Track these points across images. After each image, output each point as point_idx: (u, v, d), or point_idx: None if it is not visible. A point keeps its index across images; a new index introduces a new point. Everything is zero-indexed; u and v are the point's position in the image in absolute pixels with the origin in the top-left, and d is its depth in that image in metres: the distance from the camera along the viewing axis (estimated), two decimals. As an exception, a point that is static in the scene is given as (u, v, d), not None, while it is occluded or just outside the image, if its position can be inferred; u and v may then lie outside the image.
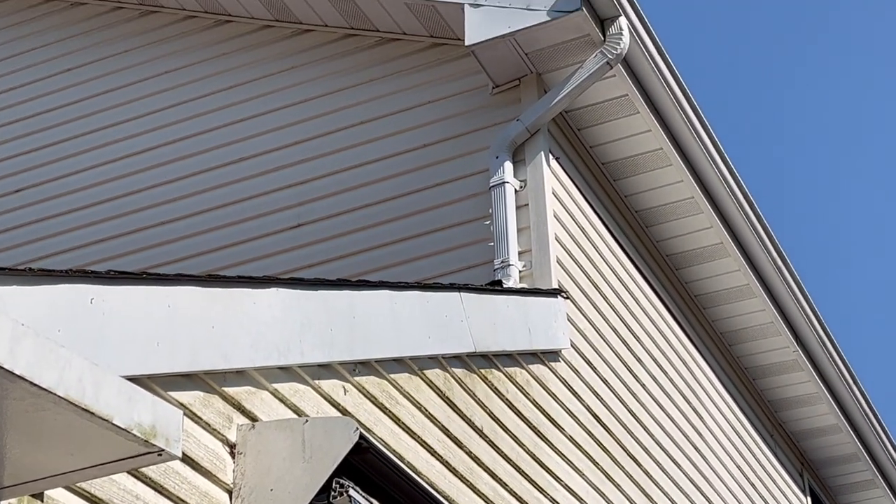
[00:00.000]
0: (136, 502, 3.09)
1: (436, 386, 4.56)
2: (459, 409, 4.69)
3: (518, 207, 5.79)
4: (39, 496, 2.81)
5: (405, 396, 4.35)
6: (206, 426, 3.41)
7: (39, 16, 7.65)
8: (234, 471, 3.47)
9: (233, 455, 3.48)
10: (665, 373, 6.90)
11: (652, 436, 6.51)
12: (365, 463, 3.59)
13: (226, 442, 3.47)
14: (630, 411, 6.29)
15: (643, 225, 6.97)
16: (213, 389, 3.46)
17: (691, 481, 6.92)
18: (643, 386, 6.54)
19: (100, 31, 7.43)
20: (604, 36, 5.95)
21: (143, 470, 3.12)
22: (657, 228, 7.00)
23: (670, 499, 6.56)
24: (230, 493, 3.44)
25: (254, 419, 3.59)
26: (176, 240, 6.53)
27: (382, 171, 6.27)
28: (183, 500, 3.25)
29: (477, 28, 5.97)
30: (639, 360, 6.57)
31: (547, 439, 5.33)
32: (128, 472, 3.02)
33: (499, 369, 5.06)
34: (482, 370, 4.93)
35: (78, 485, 2.89)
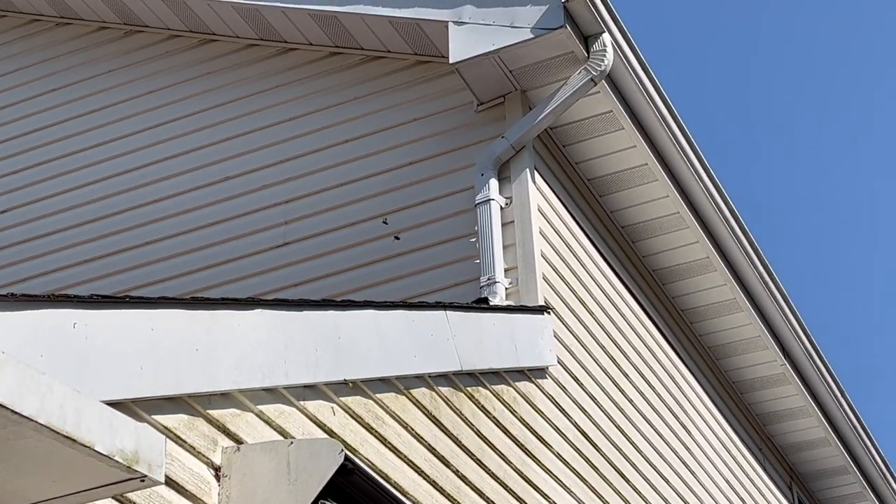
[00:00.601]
0: (120, 527, 3.08)
1: (422, 405, 4.55)
2: (446, 428, 4.68)
3: (504, 224, 5.79)
4: (22, 523, 2.80)
5: (391, 416, 4.34)
6: (191, 449, 3.40)
7: (23, 36, 7.64)
8: (219, 494, 3.45)
9: (218, 478, 3.47)
10: (653, 388, 6.90)
11: (640, 452, 6.50)
12: (351, 484, 3.58)
13: (210, 465, 3.45)
14: (618, 427, 6.28)
15: (629, 240, 6.97)
16: (198, 412, 3.45)
17: (680, 497, 6.92)
18: (631, 402, 6.54)
19: (84, 51, 7.42)
20: (587, 53, 5.96)
21: (129, 495, 3.11)
22: (643, 244, 7.01)
23: (659, 514, 6.56)
24: (215, 516, 3.42)
25: (239, 441, 3.57)
26: (159, 260, 6.52)
27: (367, 189, 6.27)
28: (168, 525, 3.24)
29: (461, 46, 5.97)
30: (626, 375, 6.57)
31: (534, 457, 5.32)
32: (112, 497, 3.01)
33: (485, 387, 5.06)
34: (469, 388, 4.92)
35: (61, 511, 2.87)
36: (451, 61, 5.96)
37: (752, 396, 8.33)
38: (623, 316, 6.71)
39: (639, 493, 6.35)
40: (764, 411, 8.48)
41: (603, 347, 6.34)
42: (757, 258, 7.39)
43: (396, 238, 5.99)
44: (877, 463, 9.28)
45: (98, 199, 6.89)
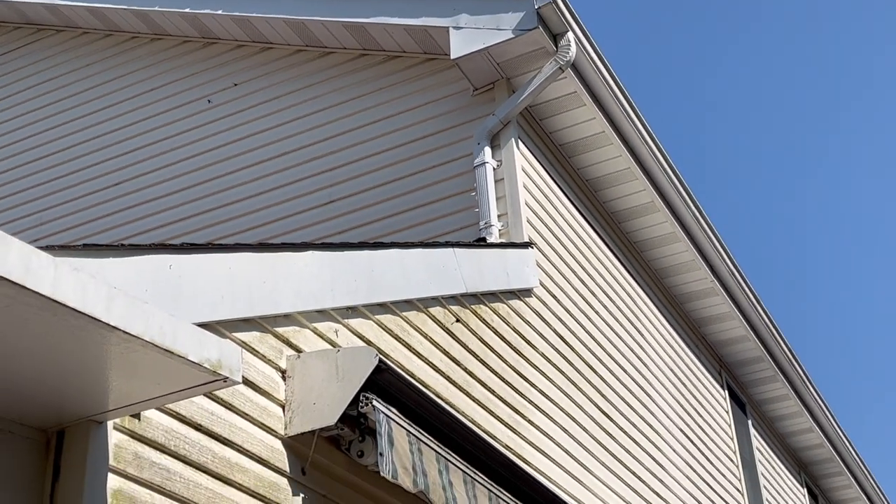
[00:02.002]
0: (211, 417, 3.10)
1: (438, 319, 4.56)
2: (457, 337, 4.69)
3: (496, 181, 5.77)
4: (137, 416, 2.82)
5: (414, 329, 4.36)
6: (263, 357, 3.41)
7: (125, 50, 7.61)
8: (285, 390, 3.48)
9: (284, 378, 3.49)
10: (613, 302, 6.90)
11: (605, 350, 6.52)
12: (385, 381, 3.60)
13: (278, 369, 3.48)
14: (588, 332, 6.29)
15: (592, 190, 6.94)
16: (267, 329, 3.47)
17: (635, 382, 6.94)
18: (597, 313, 6.54)
19: (169, 60, 7.39)
20: (556, 47, 5.91)
21: (216, 392, 3.13)
22: (603, 192, 6.97)
23: (621, 397, 6.58)
24: (283, 406, 3.45)
25: (299, 350, 3.59)
26: (235, 218, 6.52)
27: (391, 158, 6.25)
28: (247, 414, 3.26)
29: (459, 45, 5.93)
30: (593, 293, 6.57)
31: (524, 356, 5.33)
32: (203, 395, 3.03)
33: (486, 305, 5.06)
34: (473, 306, 4.93)
35: (166, 406, 2.89)
36: (451, 57, 5.92)
37: (689, 306, 8.32)
38: (589, 248, 6.70)
39: (604, 381, 6.37)
40: (698, 317, 8.47)
41: (574, 272, 6.33)
42: (689, 198, 7.35)
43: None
44: (785, 352, 9.29)
45: (189, 172, 6.88)
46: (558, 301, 5.95)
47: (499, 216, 5.66)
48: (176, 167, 6.93)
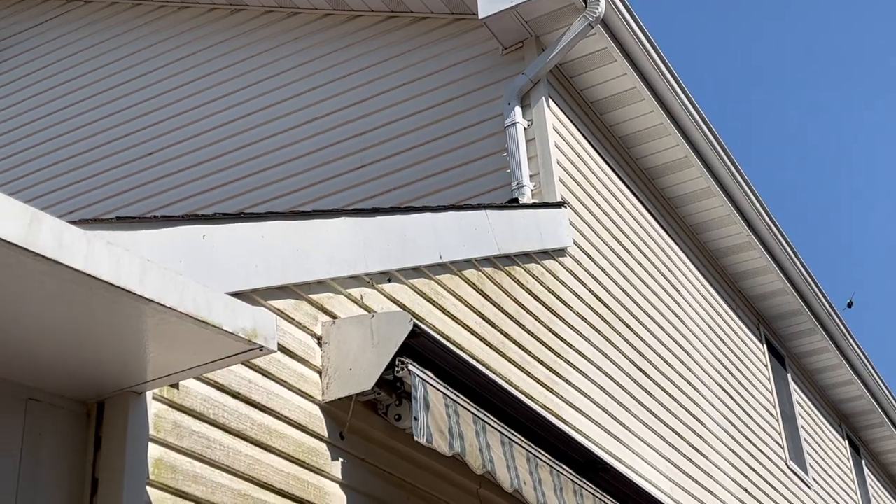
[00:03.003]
0: (248, 385, 3.13)
1: (471, 282, 4.57)
2: (491, 298, 4.69)
3: (527, 141, 5.74)
4: (175, 386, 2.85)
5: (448, 292, 4.36)
6: (298, 325, 3.44)
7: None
8: (321, 357, 3.50)
9: (320, 345, 3.51)
10: (649, 259, 6.87)
11: (641, 308, 6.50)
12: (420, 345, 3.61)
13: (314, 335, 3.50)
14: (624, 290, 6.27)
15: (625, 147, 6.89)
16: (301, 297, 3.48)
17: (672, 338, 6.92)
18: (632, 270, 6.52)
19: (199, 28, 7.38)
20: (585, 3, 5.84)
21: (253, 361, 3.15)
22: (636, 149, 6.92)
23: (658, 354, 6.57)
24: (320, 373, 3.47)
25: (334, 317, 3.61)
26: (267, 185, 6.54)
27: (422, 121, 6.23)
28: (284, 381, 3.29)
29: (487, 4, 5.88)
30: (628, 251, 6.54)
31: (559, 315, 5.33)
32: (241, 364, 3.05)
33: (519, 266, 5.06)
34: (507, 267, 4.92)
35: (203, 375, 2.92)
36: (479, 17, 5.87)
37: (725, 261, 8.26)
38: (623, 205, 6.66)
39: (642, 339, 6.36)
40: (735, 272, 8.42)
41: (609, 230, 6.30)
42: (723, 151, 7.28)
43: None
44: (823, 304, 9.21)
45: (219, 141, 6.90)
46: (592, 260, 5.93)
47: (531, 176, 5.64)
48: (206, 136, 6.95)
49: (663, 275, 7.06)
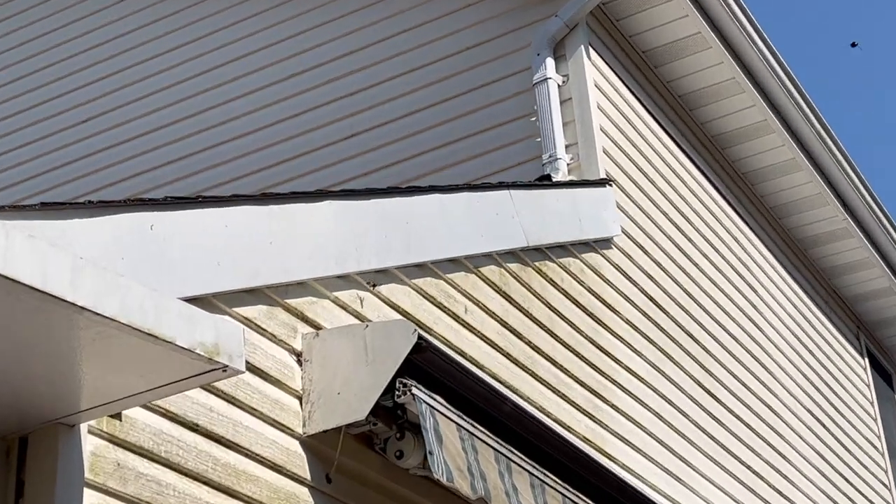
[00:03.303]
0: (209, 415, 3.14)
1: (491, 282, 4.57)
2: (516, 302, 4.70)
3: (562, 102, 5.74)
4: (117, 416, 2.87)
5: (462, 294, 4.37)
6: (272, 337, 3.44)
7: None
8: (302, 378, 3.51)
9: (300, 363, 3.52)
10: (717, 251, 6.86)
11: (708, 313, 6.49)
12: (426, 361, 3.60)
13: (292, 351, 3.50)
14: (685, 291, 6.27)
15: (686, 109, 6.88)
16: (276, 302, 3.49)
17: (750, 353, 6.91)
18: (697, 265, 6.51)
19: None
20: (635, -75, 5.83)
21: (215, 384, 3.16)
22: (700, 111, 6.91)
23: (730, 372, 6.56)
24: (300, 398, 3.48)
25: (317, 327, 3.62)
26: (232, 160, 6.55)
27: (427, 77, 6.23)
28: (255, 409, 3.30)
29: (510, -72, 5.88)
30: (690, 240, 6.53)
31: (604, 324, 5.33)
32: (200, 388, 3.06)
33: (553, 261, 5.06)
34: (536, 263, 4.93)
35: (153, 403, 2.93)
36: (500, -55, 5.88)
37: (815, 252, 8.25)
38: (684, 182, 6.65)
39: (709, 353, 6.36)
40: (828, 265, 8.41)
41: (666, 214, 6.30)
42: (814, 117, 7.26)
43: None
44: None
45: (172, 104, 6.91)
46: (646, 252, 5.93)
47: (567, 147, 5.64)
48: (156, 98, 6.97)
49: (736, 270, 7.05)
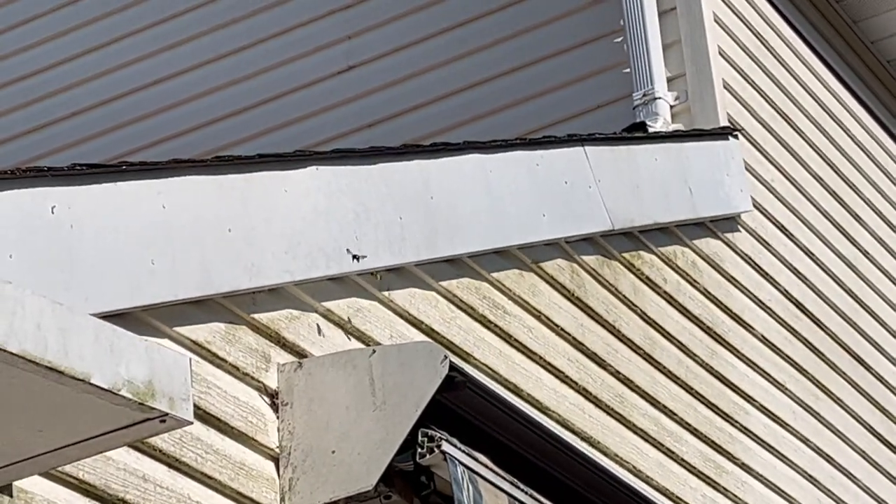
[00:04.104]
0: (142, 486, 3.15)
1: (559, 283, 4.57)
2: (596, 314, 4.69)
3: (662, 13, 5.73)
4: (7, 489, 2.88)
5: (516, 302, 4.37)
6: (234, 370, 3.45)
7: None
8: (279, 430, 3.51)
9: (275, 407, 3.52)
10: (895, 229, 6.85)
11: (882, 323, 6.47)
12: (462, 402, 3.62)
13: (263, 390, 3.51)
14: (848, 291, 6.25)
15: (849, 20, 6.85)
16: (239, 318, 3.49)
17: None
18: (864, 253, 6.49)
19: None
20: None
21: (152, 440, 3.17)
22: (870, 23, 6.89)
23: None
24: (276, 460, 3.49)
25: (301, 354, 3.62)
26: (168, 108, 6.59)
27: (459, -20, 6.26)
28: (210, 477, 3.31)
29: None
30: (856, 216, 6.51)
31: (729, 344, 5.32)
32: (128, 446, 3.07)
33: (650, 251, 5.05)
34: (625, 254, 4.92)
35: (58, 469, 2.95)
36: None
37: None
38: (847, 131, 6.64)
39: (887, 386, 6.33)
40: None
41: (820, 180, 6.28)
42: None
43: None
44: None
45: (77, 27, 6.97)
46: (790, 236, 5.91)
47: (670, 80, 5.64)
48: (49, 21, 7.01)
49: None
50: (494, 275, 4.32)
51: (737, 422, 5.24)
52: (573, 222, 4.67)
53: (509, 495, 3.61)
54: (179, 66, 6.68)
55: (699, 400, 5.07)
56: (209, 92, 6.55)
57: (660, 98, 5.57)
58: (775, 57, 6.19)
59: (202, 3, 6.75)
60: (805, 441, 5.62)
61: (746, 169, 5.67)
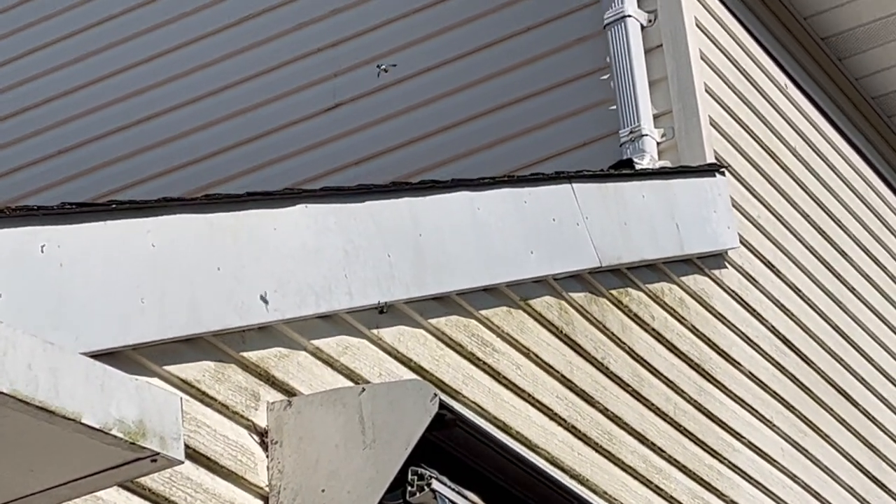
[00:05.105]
0: (132, 526, 3.15)
1: (547, 321, 4.56)
2: (585, 351, 4.69)
3: (648, 51, 5.75)
4: (-6, 532, 2.88)
5: (504, 340, 4.36)
6: (224, 409, 3.44)
7: None
8: (269, 468, 3.51)
9: (265, 446, 3.52)
10: (881, 266, 6.85)
11: (871, 361, 6.48)
12: (452, 440, 3.62)
13: (253, 429, 3.50)
14: (835, 327, 6.26)
15: (834, 57, 6.87)
16: (229, 356, 3.49)
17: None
18: (850, 289, 6.50)
19: None
20: None
21: (141, 480, 3.17)
22: (855, 60, 6.91)
23: (905, 448, 6.56)
24: (265, 498, 3.48)
25: (290, 393, 3.62)
26: (158, 145, 6.59)
27: (448, 17, 6.25)
28: (200, 516, 3.31)
29: None
30: (843, 252, 6.52)
31: (716, 381, 5.32)
32: (119, 485, 3.06)
33: (638, 288, 5.05)
34: (613, 291, 4.92)
35: (48, 510, 2.94)
36: None
37: None
38: (833, 167, 6.64)
39: (874, 422, 6.34)
40: None
41: (807, 216, 6.29)
42: None
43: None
44: None
45: (63, 66, 6.97)
46: (777, 273, 5.92)
47: (656, 117, 5.64)
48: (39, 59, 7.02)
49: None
50: (483, 312, 4.32)
51: (725, 458, 5.23)
52: (561, 259, 4.67)
53: (499, 534, 3.61)
54: (167, 103, 6.69)
55: (687, 437, 5.07)
56: (197, 129, 6.55)
57: (646, 135, 5.58)
58: (761, 94, 6.21)
59: (190, 41, 6.76)
60: (793, 477, 5.61)
61: (733, 206, 5.68)
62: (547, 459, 4.32)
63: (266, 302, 3.61)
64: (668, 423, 4.99)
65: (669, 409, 5.02)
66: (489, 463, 3.76)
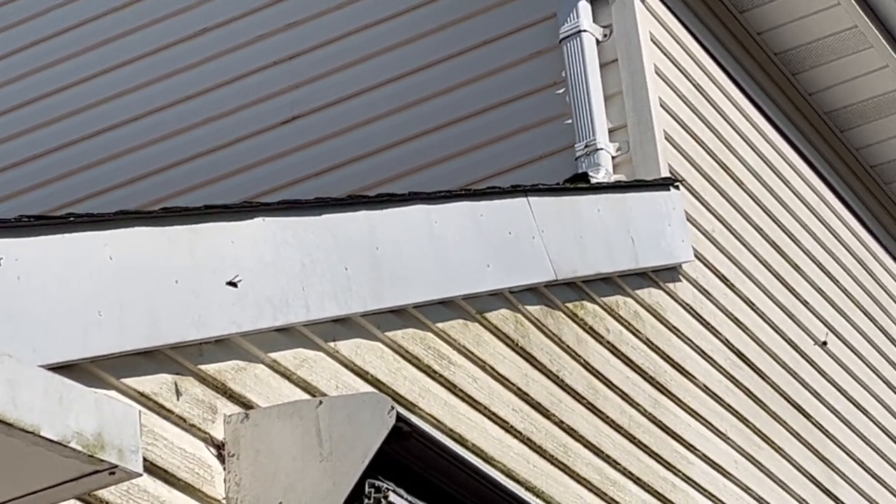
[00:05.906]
0: (90, 539, 3.14)
1: (503, 333, 4.57)
2: (540, 363, 4.69)
3: (603, 65, 5.76)
4: (-48, 545, 2.86)
5: (461, 353, 4.36)
6: (181, 422, 3.43)
7: None
8: (226, 481, 3.50)
9: (222, 458, 3.51)
10: (834, 279, 6.88)
11: (825, 375, 6.50)
12: (409, 453, 3.61)
13: (210, 441, 3.49)
14: (787, 340, 6.28)
15: (788, 73, 6.90)
16: (186, 369, 3.48)
17: (881, 428, 6.92)
18: (804, 302, 6.52)
19: None
20: None
21: (99, 493, 3.16)
22: (808, 76, 6.94)
23: (857, 460, 6.57)
24: (222, 512, 3.48)
25: (247, 405, 3.61)
26: (114, 157, 6.57)
27: (405, 31, 6.25)
28: (157, 529, 3.30)
29: None
30: (795, 266, 6.55)
31: (671, 393, 5.33)
32: (77, 498, 3.05)
33: (593, 301, 5.06)
34: (569, 304, 4.92)
35: (5, 523, 2.93)
36: None
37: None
38: (786, 182, 6.67)
39: (824, 431, 6.36)
40: None
41: (760, 230, 6.31)
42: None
43: None
44: None
45: (25, 75, 6.95)
46: (730, 286, 5.94)
47: (611, 131, 5.65)
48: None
49: (868, 314, 7.06)
50: (439, 325, 4.32)
51: (679, 471, 5.24)
52: (517, 272, 4.68)
53: (455, 546, 3.61)
54: (124, 115, 6.67)
55: (642, 449, 5.08)
56: (155, 141, 6.54)
57: (602, 149, 5.59)
58: (715, 108, 6.23)
59: (147, 53, 6.75)
60: (747, 490, 5.63)
61: (688, 219, 5.69)
62: (503, 472, 4.32)
63: (223, 315, 3.61)
64: (623, 435, 5.00)
65: (624, 421, 5.03)
66: (446, 475, 3.76)
